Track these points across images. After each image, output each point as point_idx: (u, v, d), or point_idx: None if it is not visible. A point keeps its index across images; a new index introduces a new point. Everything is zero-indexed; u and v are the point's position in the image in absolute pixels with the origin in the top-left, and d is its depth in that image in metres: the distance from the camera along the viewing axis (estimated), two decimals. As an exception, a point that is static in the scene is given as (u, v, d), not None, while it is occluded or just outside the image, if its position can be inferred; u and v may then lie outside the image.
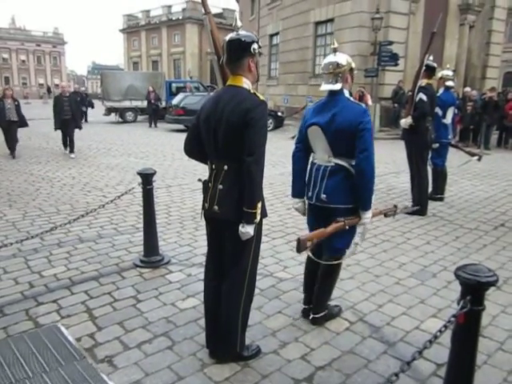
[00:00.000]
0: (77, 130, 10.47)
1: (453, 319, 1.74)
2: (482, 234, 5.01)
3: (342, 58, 2.79)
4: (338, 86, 2.75)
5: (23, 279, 3.62)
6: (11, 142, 10.02)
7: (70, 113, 10.06)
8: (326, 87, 2.80)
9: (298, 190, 3.03)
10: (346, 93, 2.80)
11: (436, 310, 3.23)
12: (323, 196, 2.83)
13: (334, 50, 2.82)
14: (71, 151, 10.23)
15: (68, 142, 10.30)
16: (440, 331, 1.70)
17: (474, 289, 1.75)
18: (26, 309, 3.13)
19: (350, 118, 2.69)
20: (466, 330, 1.81)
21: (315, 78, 19.39)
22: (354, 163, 2.80)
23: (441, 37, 17.80)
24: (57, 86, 69.41)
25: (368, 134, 2.71)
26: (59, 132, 10.51)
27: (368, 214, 2.89)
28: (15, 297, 3.32)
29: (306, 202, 3.01)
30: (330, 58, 2.82)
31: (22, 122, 10.20)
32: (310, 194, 2.93)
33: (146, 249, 4.03)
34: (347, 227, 2.75)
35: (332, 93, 2.80)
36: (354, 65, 2.84)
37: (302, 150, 2.99)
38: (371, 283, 3.67)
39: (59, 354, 2.50)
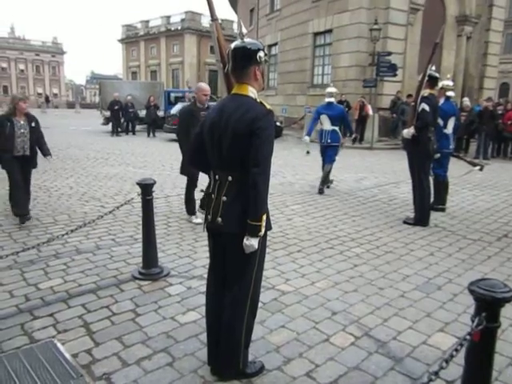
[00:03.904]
0: None
1: (468, 337, 1.67)
2: (485, 244, 4.94)
3: (334, 89, 7.61)
4: (332, 99, 7.39)
5: (19, 292, 3.53)
6: (18, 194, 5.45)
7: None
8: (328, 99, 7.39)
9: (310, 133, 7.62)
10: (335, 101, 7.53)
11: (443, 323, 3.15)
12: (329, 141, 7.31)
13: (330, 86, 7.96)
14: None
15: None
16: (456, 350, 1.63)
17: (490, 305, 1.68)
18: (21, 323, 3.03)
19: (340, 111, 7.43)
20: (482, 348, 1.73)
21: (314, 88, 19.48)
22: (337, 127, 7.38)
23: (439, 48, 17.88)
24: (55, 95, 69.78)
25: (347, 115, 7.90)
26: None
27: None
28: (10, 310, 3.22)
29: (320, 144, 7.63)
30: (329, 89, 7.53)
31: (41, 151, 5.66)
32: (323, 140, 7.40)
33: (144, 261, 3.94)
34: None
35: (330, 102, 7.37)
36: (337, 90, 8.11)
37: (316, 121, 7.53)
38: (375, 296, 3.59)
39: (55, 372, 2.40)
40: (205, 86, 5.61)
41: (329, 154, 7.48)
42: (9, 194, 5.66)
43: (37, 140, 5.55)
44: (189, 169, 5.33)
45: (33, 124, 5.48)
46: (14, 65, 69.23)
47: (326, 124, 7.29)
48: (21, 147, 5.36)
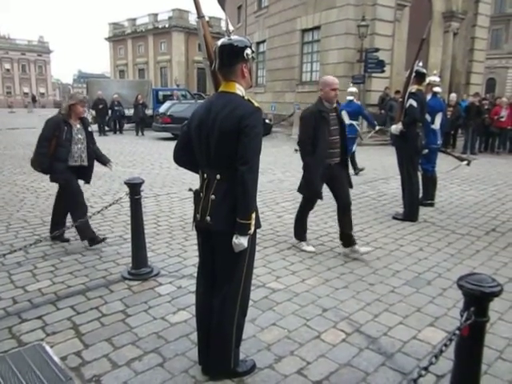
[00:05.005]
0: None
1: (457, 332, 1.67)
2: (474, 239, 4.98)
3: (354, 89, 9.27)
4: (352, 98, 8.96)
5: (6, 295, 3.47)
6: (82, 208, 4.57)
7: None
8: (349, 98, 8.93)
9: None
10: (354, 99, 9.12)
11: (433, 318, 3.17)
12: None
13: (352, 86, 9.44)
14: None
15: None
16: (445, 345, 1.63)
17: (478, 300, 1.69)
18: (8, 326, 2.99)
19: (355, 108, 8.94)
20: (471, 342, 1.74)
21: (302, 85, 19.47)
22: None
23: (426, 44, 17.99)
24: (42, 94, 69.13)
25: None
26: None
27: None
28: (-3, 313, 3.17)
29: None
30: (350, 89, 9.12)
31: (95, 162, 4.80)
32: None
33: (134, 260, 3.91)
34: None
35: (350, 100, 8.97)
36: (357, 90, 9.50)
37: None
38: (366, 292, 3.60)
39: (44, 376, 2.37)
40: (333, 79, 4.26)
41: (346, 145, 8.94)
42: (69, 206, 4.61)
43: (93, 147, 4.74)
44: (313, 190, 4.45)
45: (89, 129, 4.69)
46: (-1, 64, 68.31)
47: (346, 119, 8.40)
48: (78, 156, 4.52)
